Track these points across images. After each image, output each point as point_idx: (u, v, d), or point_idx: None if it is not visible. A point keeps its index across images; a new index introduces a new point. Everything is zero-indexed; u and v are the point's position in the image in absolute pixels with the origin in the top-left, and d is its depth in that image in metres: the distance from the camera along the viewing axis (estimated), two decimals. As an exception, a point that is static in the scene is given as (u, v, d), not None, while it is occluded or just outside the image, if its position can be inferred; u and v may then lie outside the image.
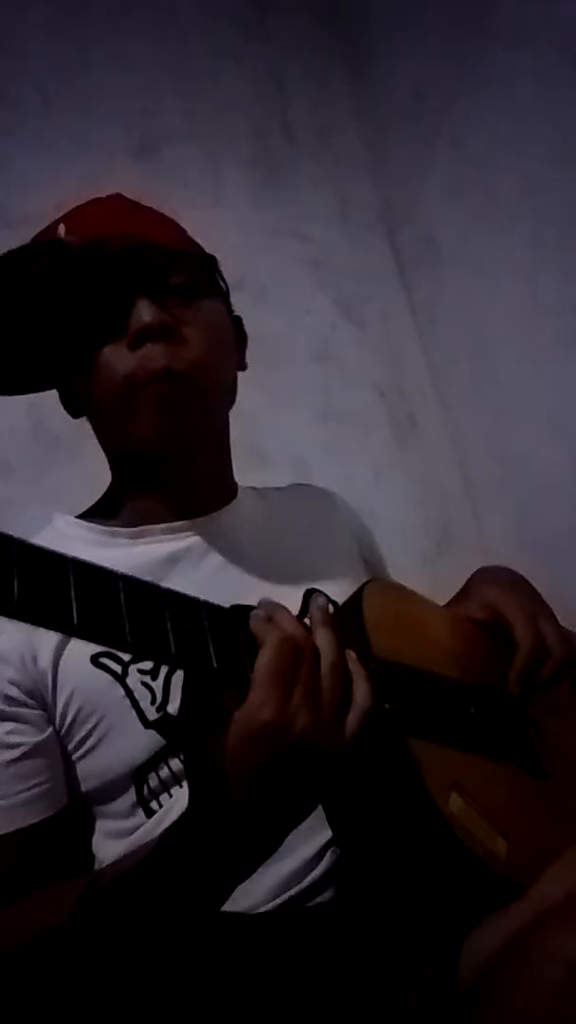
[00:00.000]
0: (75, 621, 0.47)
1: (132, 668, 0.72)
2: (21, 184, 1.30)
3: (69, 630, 0.47)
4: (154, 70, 1.52)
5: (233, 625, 0.56)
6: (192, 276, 0.78)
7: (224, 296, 0.84)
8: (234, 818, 0.54)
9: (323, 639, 0.57)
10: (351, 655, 0.59)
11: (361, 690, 0.57)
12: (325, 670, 0.56)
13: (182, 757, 0.70)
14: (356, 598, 0.75)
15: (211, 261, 0.83)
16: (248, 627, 0.55)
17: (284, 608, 0.58)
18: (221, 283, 0.84)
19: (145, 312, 0.73)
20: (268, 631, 0.55)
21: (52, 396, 0.85)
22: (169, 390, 0.73)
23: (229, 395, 0.84)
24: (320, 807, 0.70)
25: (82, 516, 0.85)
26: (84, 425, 0.83)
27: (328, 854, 0.73)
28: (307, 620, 0.59)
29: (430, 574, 1.48)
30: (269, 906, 0.71)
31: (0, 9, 1.39)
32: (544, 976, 0.50)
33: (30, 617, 0.46)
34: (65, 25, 1.44)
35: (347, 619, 0.73)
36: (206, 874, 0.56)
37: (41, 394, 0.85)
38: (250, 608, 0.57)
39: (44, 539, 0.78)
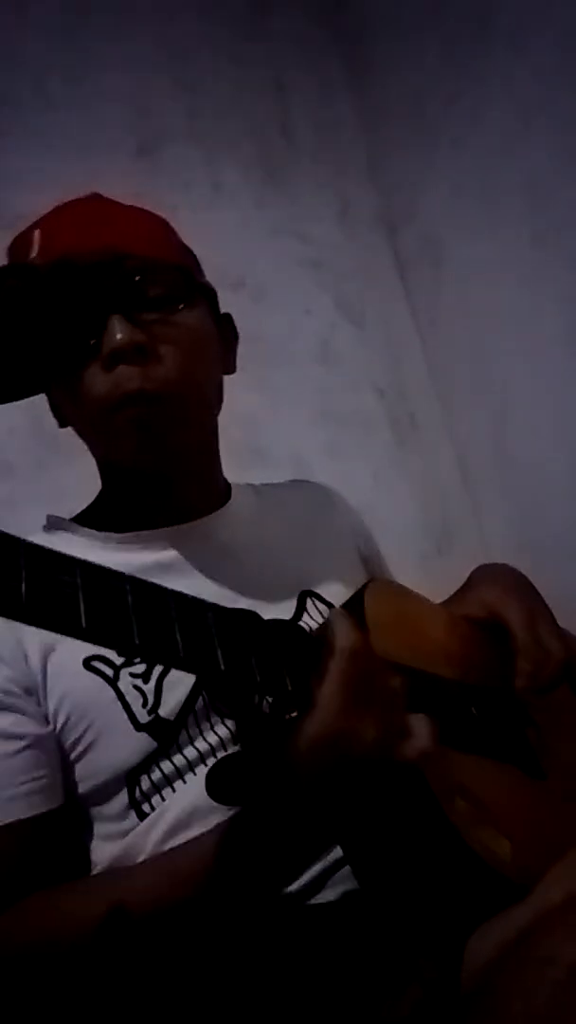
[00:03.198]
0: (83, 624, 0.47)
1: (124, 671, 0.72)
2: (21, 184, 1.30)
3: (78, 633, 0.47)
4: (154, 70, 1.52)
5: (239, 628, 0.56)
6: (170, 286, 0.75)
7: (209, 296, 0.81)
8: (298, 816, 0.58)
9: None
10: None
11: (420, 725, 0.59)
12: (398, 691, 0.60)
13: (264, 756, 0.72)
14: (357, 599, 0.75)
15: (190, 268, 0.79)
16: (297, 640, 0.59)
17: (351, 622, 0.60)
18: (204, 284, 0.81)
19: (117, 331, 0.70)
20: (340, 637, 0.58)
21: (52, 396, 0.85)
22: (144, 412, 0.72)
23: (213, 403, 0.82)
24: None
25: (74, 519, 0.84)
26: (82, 427, 0.83)
27: (329, 853, 0.73)
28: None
29: (430, 574, 1.47)
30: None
31: (0, 9, 1.39)
32: (544, 979, 0.50)
33: (37, 620, 0.45)
34: (65, 25, 1.44)
35: None
36: (265, 871, 0.60)
37: (40, 394, 0.84)
38: (252, 614, 0.58)
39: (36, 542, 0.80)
